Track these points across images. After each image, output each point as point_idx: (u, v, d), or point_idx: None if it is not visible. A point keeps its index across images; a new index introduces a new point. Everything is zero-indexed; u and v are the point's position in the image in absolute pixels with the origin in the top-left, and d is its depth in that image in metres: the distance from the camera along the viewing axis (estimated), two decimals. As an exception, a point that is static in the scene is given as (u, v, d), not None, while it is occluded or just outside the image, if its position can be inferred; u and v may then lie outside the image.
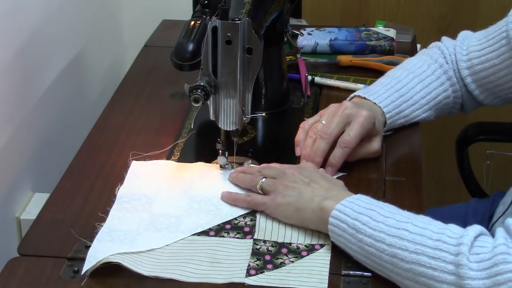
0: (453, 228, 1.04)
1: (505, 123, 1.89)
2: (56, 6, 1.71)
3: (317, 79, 1.63)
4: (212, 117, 1.28)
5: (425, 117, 1.43)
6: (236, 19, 1.22)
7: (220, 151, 1.30)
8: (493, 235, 1.05)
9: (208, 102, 1.25)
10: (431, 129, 2.36)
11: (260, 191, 1.23)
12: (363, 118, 1.30)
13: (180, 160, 1.36)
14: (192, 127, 1.33)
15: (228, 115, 1.27)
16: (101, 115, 1.53)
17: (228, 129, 1.28)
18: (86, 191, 1.28)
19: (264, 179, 1.23)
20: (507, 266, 0.97)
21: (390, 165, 1.36)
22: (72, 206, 1.24)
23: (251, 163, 1.33)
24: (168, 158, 1.37)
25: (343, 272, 1.11)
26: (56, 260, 1.13)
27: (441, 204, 1.72)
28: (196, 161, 1.35)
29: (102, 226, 1.18)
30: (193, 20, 1.42)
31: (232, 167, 1.32)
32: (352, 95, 1.42)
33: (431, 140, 2.39)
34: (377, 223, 1.07)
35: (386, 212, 1.09)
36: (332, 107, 1.33)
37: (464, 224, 1.53)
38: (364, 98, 1.39)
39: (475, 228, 1.03)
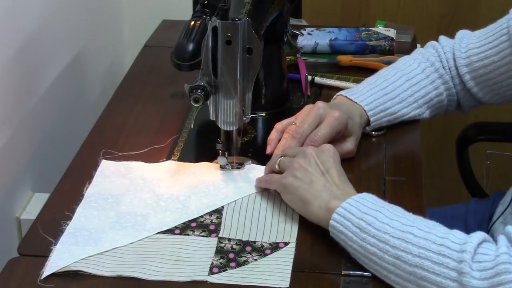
0: (457, 234, 1.05)
1: (505, 123, 1.89)
2: (56, 6, 1.71)
3: (317, 79, 1.63)
4: (212, 117, 1.28)
5: (416, 115, 1.43)
6: (236, 19, 1.22)
7: (220, 151, 1.30)
8: (492, 235, 1.05)
9: (208, 102, 1.25)
10: (431, 129, 2.36)
11: (278, 168, 1.24)
12: (333, 118, 1.31)
13: (180, 160, 1.36)
14: (192, 127, 1.33)
15: (228, 115, 1.27)
16: (101, 115, 1.53)
17: (228, 129, 1.28)
18: (86, 191, 1.28)
19: (282, 157, 1.24)
20: (509, 276, 0.97)
21: (390, 165, 1.36)
22: (72, 206, 1.24)
23: (251, 163, 1.33)
24: (168, 158, 1.37)
25: (343, 272, 1.11)
26: (56, 260, 1.13)
27: (441, 204, 1.72)
28: (196, 161, 1.35)
29: (67, 224, 1.19)
30: (193, 20, 1.42)
31: (232, 167, 1.32)
32: (336, 94, 1.44)
33: (431, 140, 2.39)
34: (382, 224, 1.08)
35: (392, 214, 1.09)
36: (307, 108, 1.34)
37: (464, 224, 1.54)
38: (346, 97, 1.40)
39: (479, 235, 1.03)
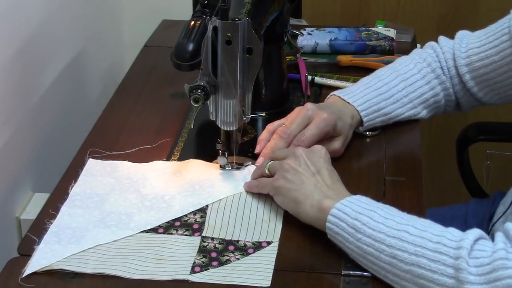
0: (453, 231, 1.04)
1: (505, 123, 1.89)
2: (56, 6, 1.71)
3: (317, 79, 1.63)
4: (212, 117, 1.28)
5: (411, 115, 1.43)
6: (236, 19, 1.22)
7: (220, 151, 1.30)
8: (493, 235, 1.05)
9: (208, 102, 1.25)
10: (431, 129, 2.36)
11: (268, 173, 1.24)
12: (321, 119, 1.32)
13: (180, 160, 1.36)
14: (192, 127, 1.33)
15: (228, 115, 1.27)
16: (101, 115, 1.53)
17: (228, 129, 1.28)
18: (86, 191, 1.28)
19: (272, 161, 1.24)
20: (506, 272, 0.97)
21: (390, 165, 1.36)
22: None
23: (251, 163, 1.33)
24: (168, 158, 1.37)
25: (343, 272, 1.11)
26: (56, 260, 1.13)
27: (441, 204, 1.72)
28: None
29: (51, 223, 1.19)
30: (193, 20, 1.42)
31: (232, 168, 1.32)
32: (330, 94, 1.44)
33: (431, 140, 2.39)
34: (377, 223, 1.08)
35: (386, 213, 1.09)
36: (297, 109, 1.35)
37: (464, 224, 1.54)
38: (339, 97, 1.40)
39: (475, 232, 1.03)
